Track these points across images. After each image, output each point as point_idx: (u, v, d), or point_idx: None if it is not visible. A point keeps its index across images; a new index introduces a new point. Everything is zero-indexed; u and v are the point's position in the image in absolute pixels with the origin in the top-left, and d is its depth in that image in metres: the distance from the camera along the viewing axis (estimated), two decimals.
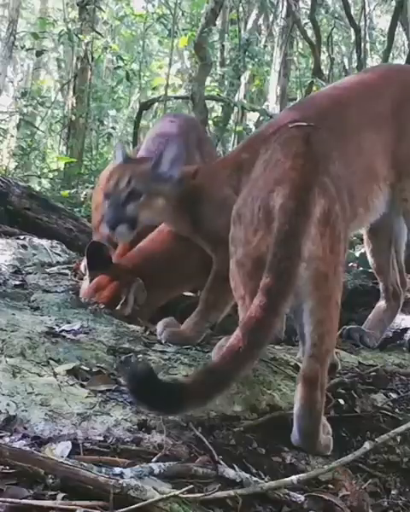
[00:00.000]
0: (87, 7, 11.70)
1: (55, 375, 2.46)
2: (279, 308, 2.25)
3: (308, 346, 2.42)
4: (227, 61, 12.57)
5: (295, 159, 2.52)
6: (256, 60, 11.92)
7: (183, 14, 12.47)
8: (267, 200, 2.46)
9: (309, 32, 11.35)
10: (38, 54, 12.84)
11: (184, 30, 11.86)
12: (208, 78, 11.08)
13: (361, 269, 5.04)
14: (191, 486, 1.94)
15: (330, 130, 3.01)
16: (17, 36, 12.29)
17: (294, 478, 2.14)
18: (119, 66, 12.34)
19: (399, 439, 2.62)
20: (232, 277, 2.64)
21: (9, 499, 1.70)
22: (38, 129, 12.39)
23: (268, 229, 2.43)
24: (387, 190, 3.34)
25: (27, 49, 12.81)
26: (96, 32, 11.88)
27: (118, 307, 3.39)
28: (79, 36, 11.56)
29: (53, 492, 1.78)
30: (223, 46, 12.80)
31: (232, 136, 11.97)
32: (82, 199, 9.50)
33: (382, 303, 3.72)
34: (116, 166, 3.32)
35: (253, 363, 2.33)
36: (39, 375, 2.43)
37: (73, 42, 11.62)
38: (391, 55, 11.24)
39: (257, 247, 2.48)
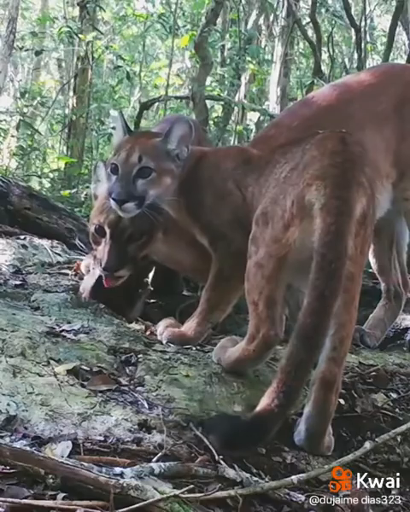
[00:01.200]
0: (87, 6, 11.67)
1: (55, 375, 2.46)
2: (332, 310, 2.24)
3: (329, 348, 2.40)
4: (227, 61, 12.56)
5: (333, 156, 2.46)
6: (256, 59, 11.92)
7: (183, 14, 12.46)
8: (302, 194, 2.41)
9: (309, 32, 11.35)
10: (37, 53, 12.82)
11: (185, 27, 11.84)
12: (209, 78, 11.07)
13: None
14: (192, 486, 1.94)
15: (333, 127, 3.00)
16: (18, 35, 12.27)
17: (294, 478, 2.14)
18: (119, 66, 12.32)
19: (399, 439, 2.62)
20: (248, 279, 2.61)
21: (10, 499, 1.70)
22: (36, 131, 12.32)
23: (302, 224, 2.39)
24: (389, 188, 3.34)
25: (26, 50, 12.78)
26: (96, 29, 11.85)
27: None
28: (80, 35, 11.55)
29: (53, 492, 1.78)
30: (223, 46, 12.79)
31: (233, 136, 11.96)
32: (82, 199, 9.50)
33: (383, 303, 3.72)
34: (125, 139, 3.13)
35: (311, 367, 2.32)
36: (40, 375, 2.43)
37: (72, 38, 11.57)
38: (391, 55, 11.24)
39: (285, 245, 2.44)
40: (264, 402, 2.17)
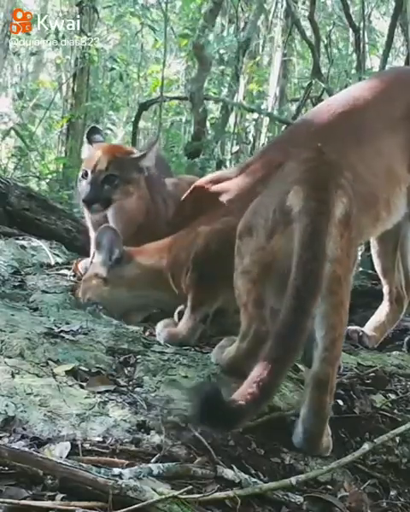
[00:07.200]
0: (83, 2, 11.63)
1: (54, 375, 2.46)
2: (310, 310, 2.23)
3: (320, 349, 2.39)
4: (226, 62, 12.56)
5: (308, 162, 2.50)
6: (255, 60, 11.93)
7: (176, 13, 12.47)
8: (283, 201, 2.41)
9: (308, 33, 11.34)
10: (32, 54, 12.82)
11: (186, 29, 11.83)
12: (207, 79, 11.07)
13: (361, 269, 5.04)
14: (190, 487, 1.94)
15: (348, 134, 3.04)
16: (14, 36, 12.23)
17: (293, 479, 2.14)
18: (113, 68, 12.33)
19: (398, 440, 2.62)
20: (236, 287, 2.64)
21: (8, 500, 1.70)
22: (26, 143, 12.15)
23: (285, 231, 2.39)
24: (406, 192, 3.36)
25: (19, 54, 12.77)
26: (84, 32, 11.79)
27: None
28: (76, 36, 11.51)
29: (52, 493, 1.78)
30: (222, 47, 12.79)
31: (231, 137, 11.96)
32: None
33: (385, 305, 3.72)
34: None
35: (289, 368, 2.30)
36: (38, 376, 2.43)
37: (58, 36, 11.50)
38: (390, 56, 11.24)
39: (270, 252, 2.45)
40: (239, 392, 2.14)
